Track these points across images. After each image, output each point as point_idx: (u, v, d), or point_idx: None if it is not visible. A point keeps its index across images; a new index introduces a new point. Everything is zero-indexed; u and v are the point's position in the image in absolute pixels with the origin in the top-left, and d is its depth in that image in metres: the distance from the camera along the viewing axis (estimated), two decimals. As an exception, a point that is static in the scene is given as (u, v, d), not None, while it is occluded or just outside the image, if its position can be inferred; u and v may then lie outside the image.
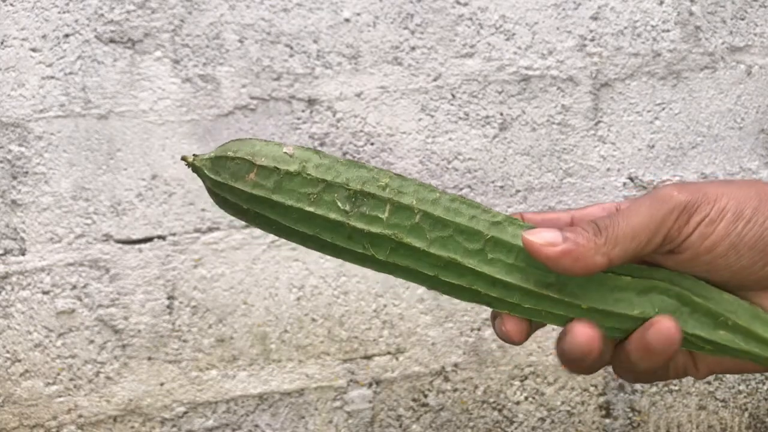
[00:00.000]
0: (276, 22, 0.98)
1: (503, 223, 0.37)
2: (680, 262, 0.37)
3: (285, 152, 0.37)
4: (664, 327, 0.36)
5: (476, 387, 1.09)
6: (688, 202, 0.35)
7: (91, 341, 0.99)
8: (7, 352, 0.98)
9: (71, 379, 0.99)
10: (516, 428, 1.11)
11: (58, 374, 0.99)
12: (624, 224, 0.35)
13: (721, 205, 0.35)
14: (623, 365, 0.38)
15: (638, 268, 0.38)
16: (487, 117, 1.03)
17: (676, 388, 1.14)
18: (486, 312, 1.06)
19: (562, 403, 1.11)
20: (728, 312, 0.37)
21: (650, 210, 0.36)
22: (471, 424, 1.09)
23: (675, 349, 0.36)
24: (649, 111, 1.07)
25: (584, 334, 0.36)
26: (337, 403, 1.05)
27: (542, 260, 0.35)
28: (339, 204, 0.36)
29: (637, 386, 1.13)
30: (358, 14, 0.99)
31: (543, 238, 0.35)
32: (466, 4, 1.01)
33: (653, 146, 1.08)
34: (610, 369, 1.14)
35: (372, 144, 1.01)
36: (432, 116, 1.02)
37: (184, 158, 0.39)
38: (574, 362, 0.37)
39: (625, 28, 1.05)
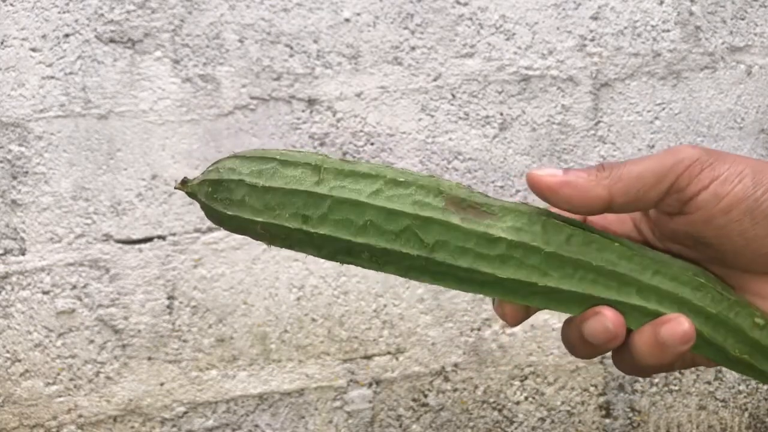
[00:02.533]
0: (276, 22, 0.98)
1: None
2: (690, 222, 0.35)
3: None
4: (679, 325, 0.35)
5: (476, 387, 1.09)
6: (701, 156, 0.34)
7: (91, 341, 0.99)
8: (7, 352, 0.98)
9: (71, 379, 0.99)
10: (516, 428, 1.11)
11: (58, 374, 0.99)
12: (630, 165, 0.34)
13: (738, 168, 0.34)
14: (627, 358, 0.37)
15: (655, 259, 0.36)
16: (487, 117, 1.03)
17: (676, 388, 1.14)
18: (486, 312, 1.06)
19: (562, 403, 1.11)
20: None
21: (661, 157, 0.34)
22: (471, 424, 1.09)
23: (688, 348, 0.35)
24: (649, 111, 1.07)
25: (615, 318, 0.35)
26: (337, 403, 1.05)
27: (544, 191, 0.35)
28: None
29: (637, 386, 1.13)
30: (358, 14, 0.99)
31: (545, 171, 0.35)
32: (466, 4, 1.01)
33: (653, 146, 1.08)
34: (610, 369, 1.14)
35: (372, 144, 1.01)
36: (432, 116, 1.02)
37: (178, 188, 0.39)
38: (596, 347, 0.36)
39: (625, 28, 1.05)
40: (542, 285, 0.35)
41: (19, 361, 0.98)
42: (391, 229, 0.35)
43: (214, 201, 0.37)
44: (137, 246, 0.99)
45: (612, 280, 0.36)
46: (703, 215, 0.34)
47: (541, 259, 0.35)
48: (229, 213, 0.37)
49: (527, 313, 0.37)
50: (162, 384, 1.01)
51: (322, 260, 1.02)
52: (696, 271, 0.37)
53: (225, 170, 0.37)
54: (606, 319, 0.35)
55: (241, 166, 0.37)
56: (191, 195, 0.38)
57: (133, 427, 1.01)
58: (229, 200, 0.37)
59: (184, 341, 1.01)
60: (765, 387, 1.16)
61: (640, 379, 1.13)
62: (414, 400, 1.07)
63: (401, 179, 0.35)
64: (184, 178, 0.39)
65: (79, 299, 0.98)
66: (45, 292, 0.98)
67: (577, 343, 0.37)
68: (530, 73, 1.04)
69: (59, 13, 0.94)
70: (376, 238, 0.35)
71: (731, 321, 0.36)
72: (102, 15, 0.94)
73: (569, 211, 0.35)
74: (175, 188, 0.39)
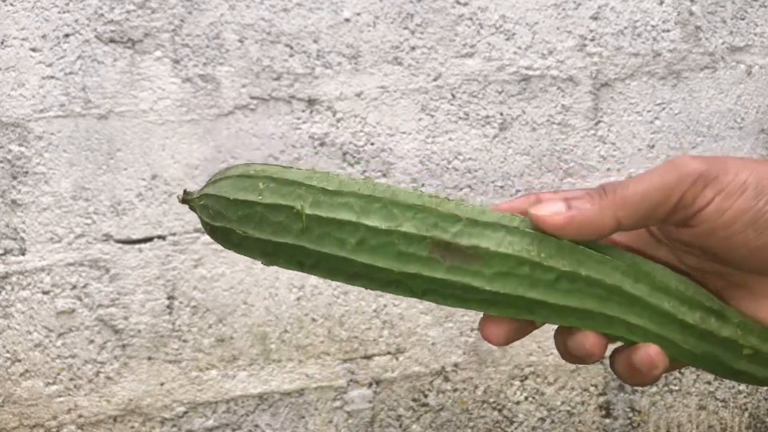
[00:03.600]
0: (276, 22, 0.98)
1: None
2: (695, 235, 0.35)
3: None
4: (647, 353, 0.36)
5: (476, 387, 1.09)
6: (704, 171, 0.34)
7: (91, 341, 0.99)
8: (7, 352, 0.98)
9: (71, 379, 0.99)
10: (516, 428, 1.11)
11: (58, 374, 0.99)
12: (633, 186, 0.34)
13: (741, 179, 0.34)
14: (616, 373, 0.38)
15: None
16: (487, 117, 1.03)
17: (676, 388, 1.14)
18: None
19: (562, 403, 1.11)
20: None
21: (663, 174, 0.34)
22: (471, 424, 1.09)
23: (659, 374, 0.36)
24: (649, 111, 1.07)
25: (596, 341, 0.36)
26: (337, 403, 1.05)
27: (550, 231, 0.35)
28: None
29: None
30: (358, 14, 0.99)
31: (548, 210, 0.35)
32: (466, 4, 1.01)
33: (653, 146, 1.08)
34: (610, 369, 1.14)
35: (372, 144, 1.01)
36: (432, 116, 1.02)
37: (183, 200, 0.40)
38: (579, 359, 0.37)
39: (625, 28, 1.05)
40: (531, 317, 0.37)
41: (19, 361, 0.98)
42: (380, 278, 0.36)
43: (216, 236, 0.39)
44: (137, 246, 0.99)
45: (602, 320, 0.37)
46: (707, 228, 0.35)
47: (526, 302, 0.36)
48: (233, 249, 0.39)
49: (512, 332, 0.38)
50: (162, 384, 1.01)
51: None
52: (686, 286, 0.37)
53: (214, 212, 0.38)
54: (586, 341, 0.36)
55: (227, 210, 0.37)
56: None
57: (133, 427, 1.01)
58: (228, 242, 0.38)
59: (184, 341, 1.01)
60: (765, 387, 1.16)
61: (640, 379, 1.13)
62: (414, 400, 1.07)
63: (383, 227, 0.35)
64: (185, 194, 0.40)
65: (79, 299, 0.98)
66: (45, 292, 0.98)
67: (563, 351, 0.38)
68: (530, 73, 1.04)
69: (59, 13, 0.94)
70: (368, 283, 0.37)
71: (715, 335, 0.37)
72: (102, 15, 0.94)
73: (578, 240, 0.35)
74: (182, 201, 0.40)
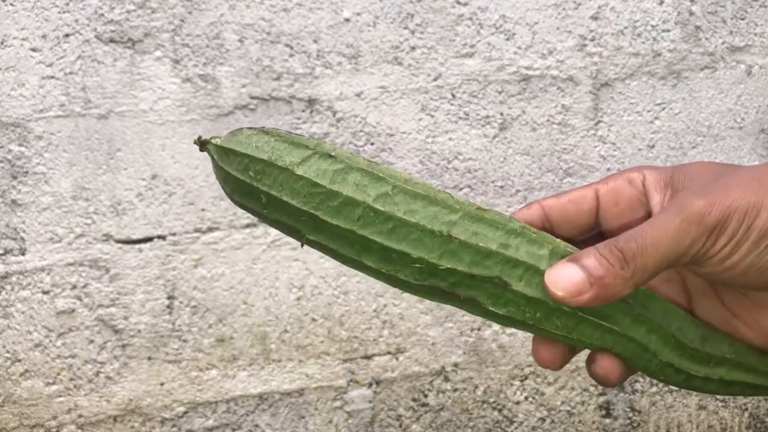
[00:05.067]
0: (276, 21, 0.98)
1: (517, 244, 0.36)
2: (700, 272, 0.36)
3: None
4: (599, 366, 0.37)
5: (476, 387, 1.09)
6: (718, 222, 0.34)
7: (91, 341, 0.99)
8: (7, 352, 0.98)
9: (71, 379, 0.99)
10: (516, 428, 1.11)
11: (58, 374, 0.99)
12: (652, 250, 0.34)
13: (747, 224, 0.34)
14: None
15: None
16: (487, 117, 1.03)
17: (676, 388, 1.14)
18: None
19: (562, 403, 1.11)
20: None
21: (679, 232, 0.34)
22: (471, 424, 1.09)
23: (616, 380, 0.37)
24: (649, 111, 1.07)
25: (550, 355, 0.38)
26: (337, 403, 1.05)
27: (573, 306, 0.35)
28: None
29: (637, 386, 1.13)
30: (358, 14, 0.99)
31: (568, 289, 0.34)
32: (466, 4, 1.01)
33: (653, 146, 1.08)
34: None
35: (372, 144, 1.01)
36: (432, 116, 1.02)
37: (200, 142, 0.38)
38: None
39: (625, 28, 1.05)
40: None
41: (19, 361, 0.98)
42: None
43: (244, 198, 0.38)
44: (137, 246, 0.99)
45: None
46: (709, 270, 0.35)
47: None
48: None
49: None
50: (162, 384, 1.01)
51: (322, 260, 1.02)
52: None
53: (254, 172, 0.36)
54: (544, 354, 0.38)
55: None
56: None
57: (133, 427, 1.01)
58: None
59: (184, 341, 1.01)
60: (765, 387, 1.16)
61: (640, 378, 1.13)
62: (414, 400, 1.07)
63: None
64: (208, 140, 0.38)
65: (79, 299, 0.98)
66: (45, 292, 0.98)
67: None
68: (530, 73, 1.04)
69: (59, 13, 0.94)
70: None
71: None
72: (102, 15, 0.94)
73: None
74: (199, 143, 0.39)
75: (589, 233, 0.40)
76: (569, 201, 0.39)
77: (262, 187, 0.36)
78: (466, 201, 0.36)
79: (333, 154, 0.35)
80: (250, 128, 0.37)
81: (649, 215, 0.38)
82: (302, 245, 0.36)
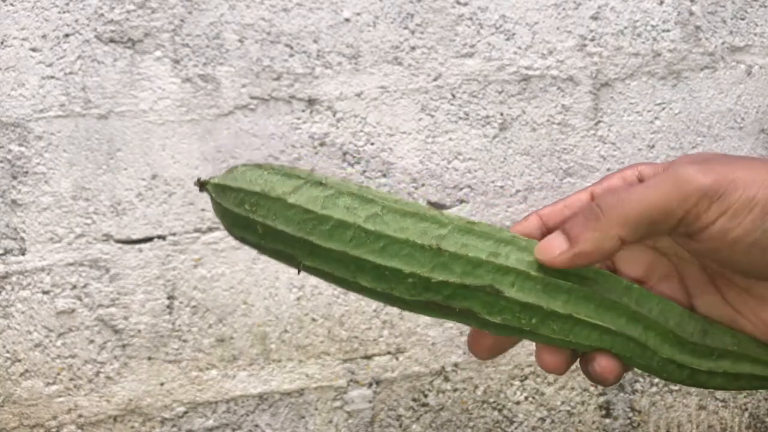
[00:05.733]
0: (276, 22, 0.98)
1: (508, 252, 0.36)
2: (699, 249, 0.35)
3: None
4: (598, 364, 0.36)
5: (476, 387, 1.09)
6: (710, 188, 0.32)
7: (91, 341, 0.99)
8: (7, 351, 0.98)
9: (71, 379, 0.99)
10: (516, 428, 1.11)
11: (58, 374, 0.99)
12: (632, 204, 0.33)
13: (749, 195, 0.32)
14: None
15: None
16: (487, 117, 1.03)
17: (676, 388, 1.14)
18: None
19: (562, 403, 1.11)
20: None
21: (666, 190, 0.33)
22: (471, 424, 1.09)
23: (613, 378, 0.37)
24: (649, 111, 1.07)
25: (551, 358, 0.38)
26: (337, 403, 1.05)
27: (559, 268, 0.35)
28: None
29: (637, 386, 1.13)
30: (358, 14, 0.99)
31: (552, 252, 0.34)
32: (466, 4, 1.01)
33: (653, 146, 1.08)
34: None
35: (372, 144, 1.01)
36: (432, 116, 1.02)
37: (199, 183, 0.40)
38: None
39: (625, 28, 1.05)
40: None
41: (19, 361, 0.98)
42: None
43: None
44: (137, 246, 0.99)
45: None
46: (710, 246, 0.34)
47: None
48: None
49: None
50: (162, 384, 1.01)
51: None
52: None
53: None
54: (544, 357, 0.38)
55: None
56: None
57: (133, 427, 1.01)
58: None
59: (184, 341, 1.01)
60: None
61: (640, 378, 1.13)
62: (414, 400, 1.08)
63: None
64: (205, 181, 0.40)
65: (79, 299, 0.98)
66: (45, 292, 0.98)
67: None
68: (530, 73, 1.04)
69: (59, 13, 0.94)
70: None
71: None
72: (102, 15, 0.94)
73: (589, 266, 0.36)
74: (198, 186, 0.40)
75: None
76: (565, 206, 0.39)
77: (257, 218, 0.37)
78: (456, 216, 0.37)
79: (324, 182, 0.37)
80: (245, 165, 0.39)
81: None
82: (299, 272, 0.37)
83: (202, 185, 0.40)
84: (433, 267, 0.35)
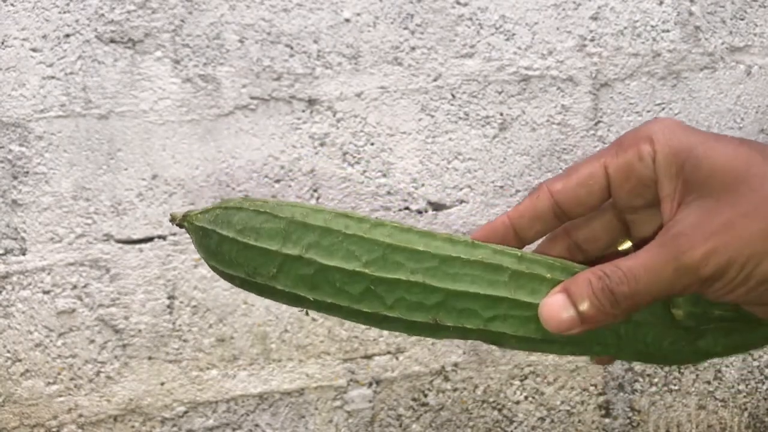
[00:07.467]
0: (276, 22, 0.98)
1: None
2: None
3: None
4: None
5: (476, 387, 1.09)
6: (714, 274, 0.34)
7: (92, 341, 0.99)
8: (8, 351, 0.98)
9: (72, 379, 1.00)
10: (516, 428, 1.11)
11: (59, 374, 0.99)
12: (644, 293, 0.35)
13: (747, 272, 0.34)
14: None
15: None
16: (487, 117, 1.04)
17: (676, 387, 1.14)
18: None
19: (562, 402, 1.11)
20: None
21: (672, 280, 0.35)
22: (471, 423, 1.09)
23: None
24: (649, 111, 1.07)
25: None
26: (337, 403, 1.06)
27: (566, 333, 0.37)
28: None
29: (637, 386, 1.13)
30: (359, 14, 0.99)
31: (560, 327, 0.37)
32: (466, 4, 1.01)
33: (653, 146, 1.08)
34: (610, 369, 1.14)
35: (372, 144, 1.02)
36: (432, 116, 1.02)
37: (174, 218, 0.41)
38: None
39: (625, 28, 1.05)
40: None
41: (20, 360, 0.98)
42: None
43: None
44: (138, 246, 0.99)
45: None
46: (712, 297, 0.36)
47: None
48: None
49: None
50: (162, 384, 1.01)
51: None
52: None
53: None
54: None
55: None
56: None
57: (133, 427, 1.02)
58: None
59: (185, 341, 1.01)
60: (765, 386, 1.16)
61: (640, 378, 1.13)
62: (414, 399, 1.08)
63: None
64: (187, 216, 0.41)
65: (80, 299, 0.98)
66: (45, 292, 0.98)
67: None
68: (530, 73, 1.04)
69: (60, 13, 0.94)
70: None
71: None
72: (102, 15, 0.95)
73: None
74: (176, 224, 0.41)
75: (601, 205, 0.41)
76: (578, 185, 0.39)
77: (252, 289, 0.39)
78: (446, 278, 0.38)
79: (305, 255, 0.37)
80: (206, 228, 0.39)
81: (657, 202, 0.38)
82: (307, 313, 0.39)
83: (180, 223, 0.41)
84: (432, 333, 0.39)
